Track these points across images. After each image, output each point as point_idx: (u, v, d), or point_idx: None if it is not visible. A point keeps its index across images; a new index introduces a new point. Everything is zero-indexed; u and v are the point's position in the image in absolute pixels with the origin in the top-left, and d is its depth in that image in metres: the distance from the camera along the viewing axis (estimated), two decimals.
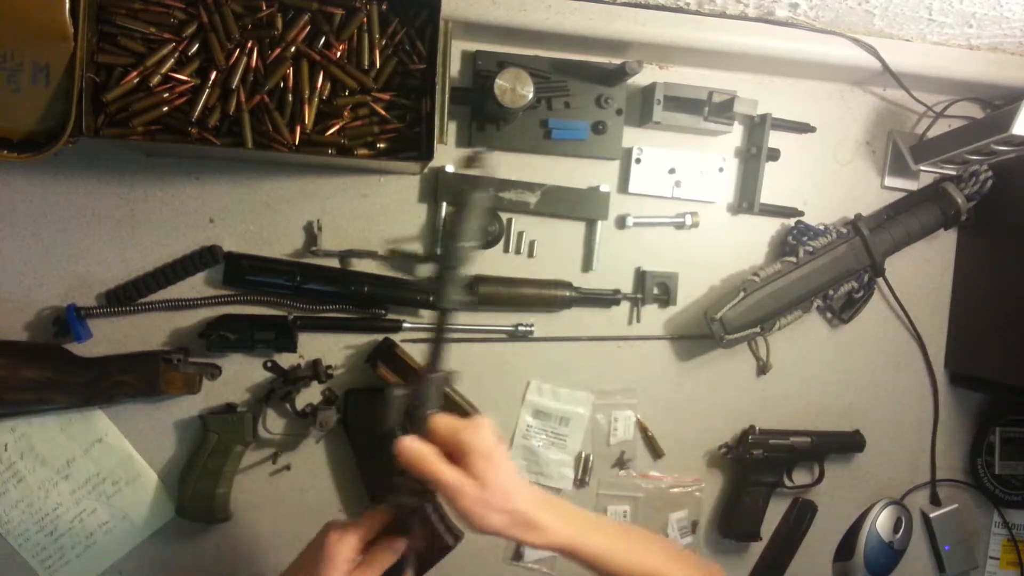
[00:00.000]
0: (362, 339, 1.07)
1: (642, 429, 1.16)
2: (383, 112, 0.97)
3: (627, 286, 1.14)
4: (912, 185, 1.22)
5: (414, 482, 0.73)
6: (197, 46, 0.92)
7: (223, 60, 0.91)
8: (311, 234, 1.05)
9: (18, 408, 0.98)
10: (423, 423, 0.72)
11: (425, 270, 1.08)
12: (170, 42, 0.91)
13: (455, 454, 0.70)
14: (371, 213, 1.07)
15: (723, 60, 1.11)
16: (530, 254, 1.11)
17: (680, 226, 1.15)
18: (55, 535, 1.02)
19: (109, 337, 1.01)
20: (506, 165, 1.09)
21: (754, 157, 1.14)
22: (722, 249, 1.17)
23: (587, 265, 1.13)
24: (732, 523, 1.17)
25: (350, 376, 1.07)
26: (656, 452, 1.17)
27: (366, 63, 0.96)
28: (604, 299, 1.12)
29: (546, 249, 1.11)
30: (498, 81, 0.97)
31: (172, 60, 0.91)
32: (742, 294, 1.09)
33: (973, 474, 1.28)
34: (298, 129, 0.94)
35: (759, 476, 1.17)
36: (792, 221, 1.17)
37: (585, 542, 0.74)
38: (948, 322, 1.25)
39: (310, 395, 1.06)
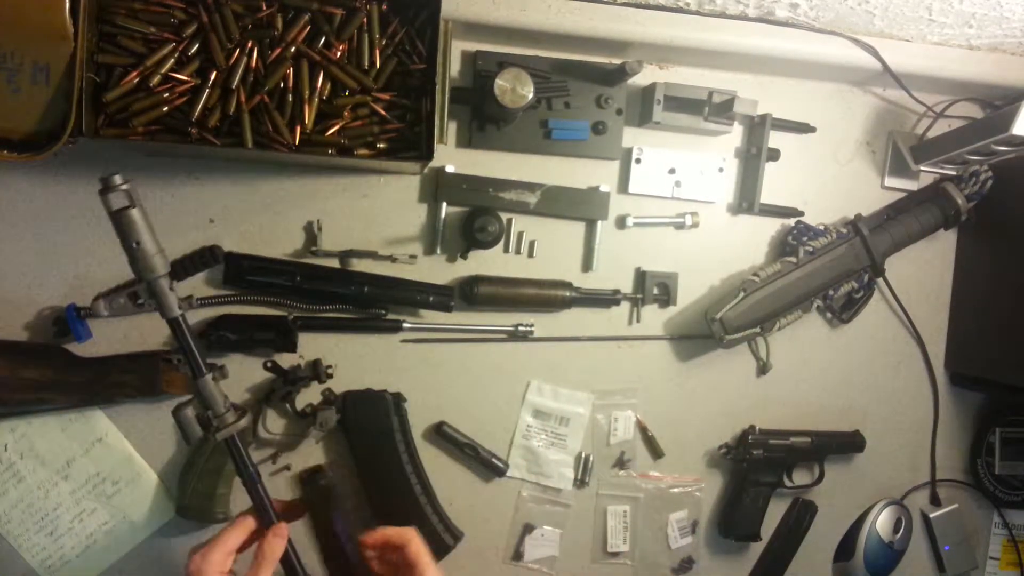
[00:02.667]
0: (362, 339, 1.07)
1: (642, 429, 1.16)
2: (383, 112, 0.97)
3: (627, 286, 1.14)
4: (912, 185, 1.22)
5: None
6: (197, 46, 0.92)
7: (223, 60, 0.92)
8: (311, 234, 1.05)
9: (18, 408, 0.97)
10: (223, 420, 0.75)
11: (425, 269, 1.08)
12: (170, 42, 0.91)
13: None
14: (371, 213, 1.07)
15: (723, 60, 1.11)
16: (530, 254, 1.11)
17: (680, 226, 1.15)
18: (55, 535, 1.02)
19: (109, 337, 1.01)
20: (506, 165, 1.09)
21: (754, 157, 1.14)
22: (722, 249, 1.17)
23: (587, 265, 1.13)
24: (732, 523, 1.17)
25: (350, 376, 1.07)
26: (656, 452, 1.17)
27: (366, 63, 0.96)
28: (604, 299, 1.12)
29: (546, 249, 1.11)
30: (498, 81, 0.97)
31: (172, 60, 0.91)
32: (742, 294, 1.09)
33: (973, 474, 1.28)
34: (298, 129, 0.94)
35: (759, 476, 1.17)
36: (792, 221, 1.17)
37: None
38: (948, 322, 1.25)
39: (310, 395, 1.06)
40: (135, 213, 0.68)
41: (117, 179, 0.67)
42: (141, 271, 0.71)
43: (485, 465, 1.10)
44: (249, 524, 0.79)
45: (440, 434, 1.09)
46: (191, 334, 0.74)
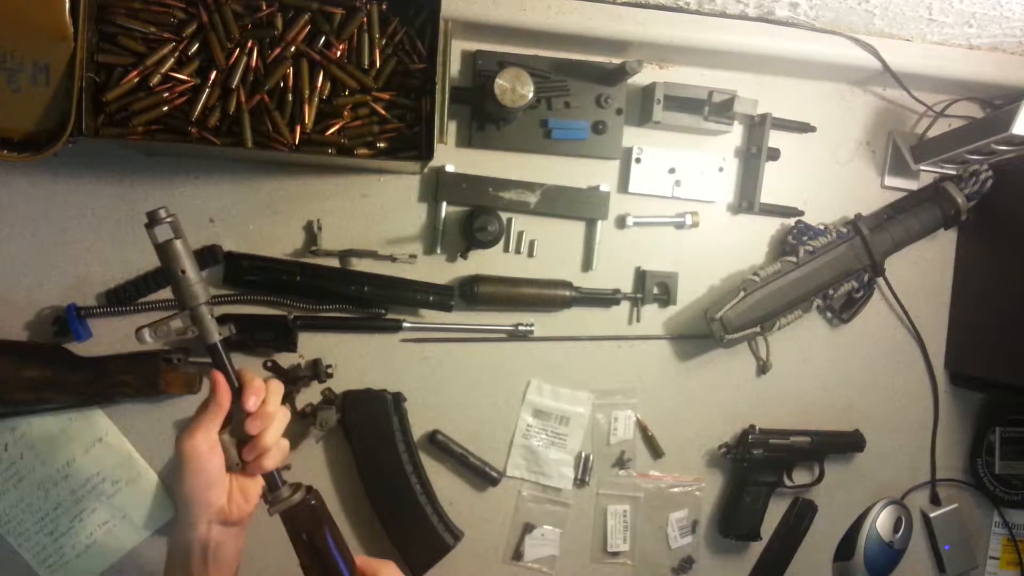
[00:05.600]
0: (362, 339, 1.07)
1: (642, 429, 1.16)
2: (383, 112, 0.97)
3: (627, 286, 1.14)
4: (912, 185, 1.22)
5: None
6: (197, 46, 0.92)
7: (223, 60, 0.92)
8: (311, 234, 1.05)
9: (18, 408, 0.97)
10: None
11: (425, 269, 1.08)
12: (170, 42, 0.91)
13: None
14: (371, 213, 1.07)
15: (723, 60, 1.11)
16: (530, 254, 1.11)
17: (680, 226, 1.15)
18: (55, 535, 1.02)
19: (109, 337, 1.01)
20: (506, 165, 1.09)
21: (754, 157, 1.14)
22: (722, 249, 1.17)
23: (587, 265, 1.13)
24: (732, 523, 1.17)
25: (350, 376, 1.07)
26: (656, 452, 1.17)
27: (366, 63, 0.96)
28: (604, 299, 1.12)
29: (546, 249, 1.11)
30: (498, 81, 0.97)
31: (172, 60, 0.91)
32: (742, 294, 1.09)
33: (973, 474, 1.28)
34: (298, 129, 0.94)
35: (759, 476, 1.17)
36: (792, 221, 1.17)
37: None
38: (948, 322, 1.25)
39: (310, 395, 1.06)
40: (179, 244, 0.72)
41: (162, 212, 0.71)
42: (186, 299, 0.73)
43: (477, 474, 1.10)
44: (224, 397, 0.77)
45: (434, 443, 1.09)
46: (230, 359, 0.76)
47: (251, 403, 0.75)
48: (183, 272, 0.72)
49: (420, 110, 0.98)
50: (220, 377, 0.76)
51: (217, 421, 0.75)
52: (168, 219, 0.71)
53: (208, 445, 0.74)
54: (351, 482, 1.07)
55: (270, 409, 0.76)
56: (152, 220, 0.71)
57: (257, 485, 0.80)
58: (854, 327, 1.22)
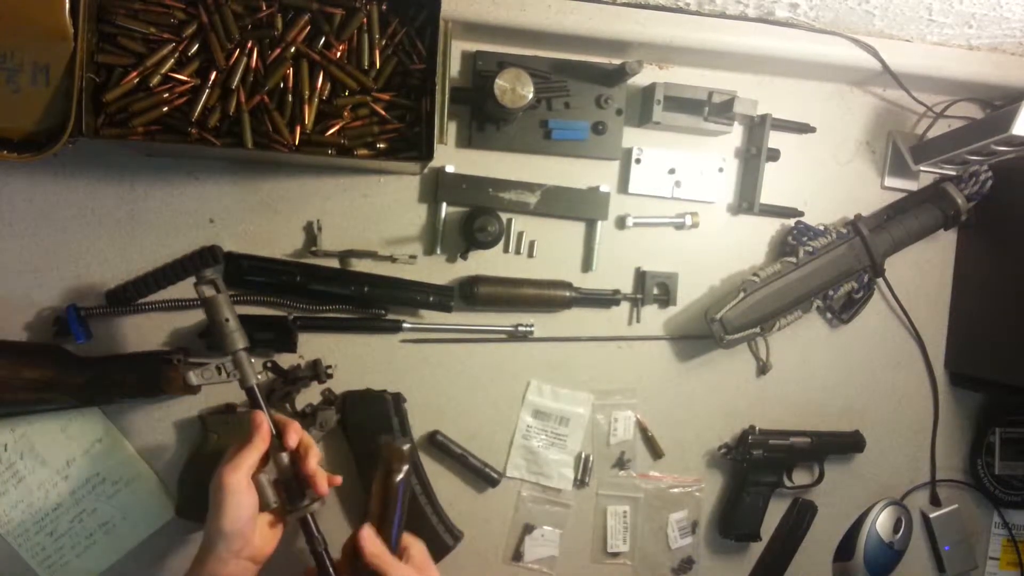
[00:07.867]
0: (362, 339, 1.07)
1: (642, 429, 1.16)
2: (383, 112, 0.97)
3: (627, 286, 1.14)
4: (912, 185, 1.22)
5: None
6: (197, 46, 0.92)
7: (223, 60, 0.92)
8: (311, 234, 1.05)
9: (18, 408, 0.98)
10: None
11: (425, 269, 1.08)
12: (170, 42, 0.91)
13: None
14: (371, 213, 1.07)
15: (723, 60, 1.11)
16: (530, 254, 1.11)
17: (680, 226, 1.15)
18: (55, 535, 1.02)
19: (109, 337, 1.01)
20: (506, 165, 1.09)
21: (754, 157, 1.15)
22: (722, 249, 1.17)
23: (587, 265, 1.13)
24: (732, 523, 1.17)
25: (350, 376, 1.07)
26: (656, 452, 1.17)
27: (366, 63, 0.96)
28: (604, 299, 1.12)
29: (546, 249, 1.11)
30: (498, 81, 0.97)
31: (172, 60, 0.91)
32: (742, 294, 1.09)
33: (973, 474, 1.28)
34: (298, 129, 0.94)
35: (759, 476, 1.17)
36: (792, 221, 1.17)
37: None
38: (948, 322, 1.25)
39: (310, 395, 1.06)
40: (222, 298, 0.84)
41: (207, 273, 0.84)
42: (228, 345, 0.83)
43: (477, 475, 1.10)
44: (267, 436, 0.83)
45: (434, 444, 1.09)
46: (264, 399, 0.85)
47: (293, 440, 0.83)
48: (226, 320, 0.83)
49: (420, 110, 0.98)
50: (262, 416, 0.83)
51: (257, 458, 0.81)
52: (212, 278, 0.83)
53: (248, 481, 0.79)
54: (351, 482, 1.07)
55: (315, 448, 0.85)
56: (199, 279, 0.83)
57: (277, 531, 0.84)
58: (854, 327, 1.22)
